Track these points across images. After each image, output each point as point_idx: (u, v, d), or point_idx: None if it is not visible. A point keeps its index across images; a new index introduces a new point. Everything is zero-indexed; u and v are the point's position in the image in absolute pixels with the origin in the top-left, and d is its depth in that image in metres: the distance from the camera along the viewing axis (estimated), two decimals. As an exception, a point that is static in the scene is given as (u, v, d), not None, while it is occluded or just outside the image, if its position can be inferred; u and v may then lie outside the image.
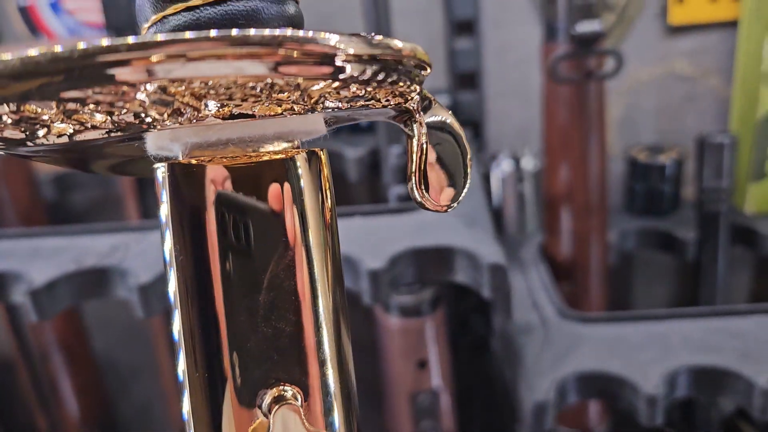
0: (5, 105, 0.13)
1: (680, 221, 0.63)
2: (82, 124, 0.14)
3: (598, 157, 0.53)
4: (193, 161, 0.16)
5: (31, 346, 0.62)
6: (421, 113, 0.19)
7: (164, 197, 0.16)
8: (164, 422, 0.72)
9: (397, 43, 0.16)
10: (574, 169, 0.53)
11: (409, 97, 0.18)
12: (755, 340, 0.45)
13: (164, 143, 0.17)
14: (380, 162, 0.57)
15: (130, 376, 0.79)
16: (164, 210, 0.16)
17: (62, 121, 0.14)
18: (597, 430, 0.59)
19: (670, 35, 0.64)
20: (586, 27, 0.49)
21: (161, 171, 0.16)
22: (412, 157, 0.19)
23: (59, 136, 0.15)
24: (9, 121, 0.14)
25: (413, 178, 0.19)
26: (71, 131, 0.14)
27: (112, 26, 0.54)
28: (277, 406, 0.17)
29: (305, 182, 0.17)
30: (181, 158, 0.16)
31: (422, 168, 0.19)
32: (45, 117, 0.14)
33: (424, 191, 0.19)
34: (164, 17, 0.16)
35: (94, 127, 0.14)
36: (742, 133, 0.62)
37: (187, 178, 0.16)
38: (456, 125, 0.20)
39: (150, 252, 0.45)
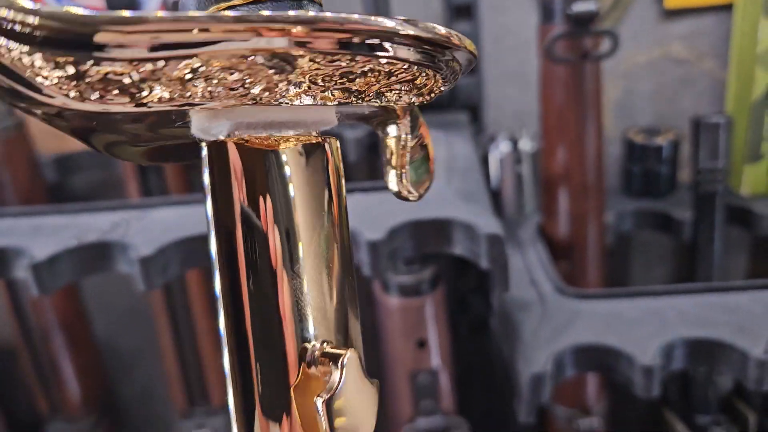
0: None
1: (677, 202, 0.64)
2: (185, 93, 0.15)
3: (595, 138, 0.53)
4: (234, 141, 0.17)
5: (33, 326, 0.62)
6: (407, 114, 0.21)
7: (206, 172, 0.18)
8: (165, 404, 0.72)
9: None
10: (570, 149, 0.53)
11: (432, 91, 0.19)
12: (750, 314, 0.46)
13: (207, 124, 0.18)
14: (378, 143, 0.58)
15: (131, 358, 0.80)
16: (207, 182, 0.18)
17: (168, 87, 0.15)
18: (595, 408, 0.59)
19: (666, 18, 0.65)
20: (581, 6, 0.49)
21: (207, 148, 0.18)
22: (392, 153, 0.21)
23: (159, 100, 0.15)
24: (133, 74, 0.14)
25: (394, 171, 0.21)
26: (173, 96, 0.15)
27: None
28: (341, 354, 0.18)
29: (331, 165, 0.19)
30: (222, 138, 0.18)
31: (405, 164, 0.21)
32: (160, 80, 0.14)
33: (407, 183, 0.21)
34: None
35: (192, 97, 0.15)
36: (737, 115, 0.63)
37: (227, 155, 0.17)
38: (424, 125, 0.23)
39: (151, 228, 0.45)
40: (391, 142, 0.22)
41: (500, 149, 0.63)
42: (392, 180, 0.22)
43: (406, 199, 0.22)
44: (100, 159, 0.65)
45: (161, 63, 0.14)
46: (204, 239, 0.43)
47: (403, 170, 0.22)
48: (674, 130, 0.65)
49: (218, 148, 0.17)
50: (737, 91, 0.63)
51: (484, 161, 0.64)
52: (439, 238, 0.41)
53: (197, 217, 0.46)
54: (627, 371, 0.43)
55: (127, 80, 0.14)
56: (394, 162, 0.22)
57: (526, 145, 0.63)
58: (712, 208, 0.59)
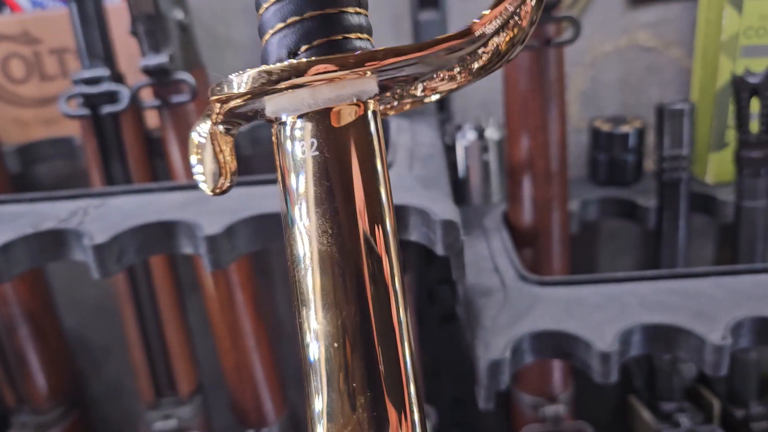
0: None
1: (642, 190, 0.64)
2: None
3: (559, 125, 0.53)
4: (300, 120, 0.20)
5: (-4, 317, 0.61)
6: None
7: (280, 144, 0.21)
8: (135, 396, 0.72)
9: None
10: (534, 136, 0.53)
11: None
12: (710, 299, 0.46)
13: (279, 107, 0.20)
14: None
15: (102, 351, 0.79)
16: (278, 154, 0.21)
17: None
18: (560, 396, 0.60)
19: (632, 7, 0.65)
20: (544, -7, 0.49)
21: (279, 126, 0.20)
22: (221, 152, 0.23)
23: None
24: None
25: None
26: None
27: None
28: None
29: (375, 122, 0.21)
30: (291, 118, 0.20)
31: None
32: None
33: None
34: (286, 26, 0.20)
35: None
36: (702, 103, 0.63)
37: (299, 132, 0.20)
38: None
39: (109, 215, 0.45)
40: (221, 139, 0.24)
41: (467, 137, 0.63)
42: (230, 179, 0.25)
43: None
44: (63, 148, 0.64)
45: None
46: (162, 226, 0.43)
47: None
48: (640, 118, 0.65)
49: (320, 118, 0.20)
50: (702, 79, 0.63)
51: (452, 150, 0.64)
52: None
53: (157, 204, 0.46)
54: (585, 357, 0.43)
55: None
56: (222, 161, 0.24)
57: (492, 133, 0.63)
58: (676, 196, 0.59)
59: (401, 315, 0.21)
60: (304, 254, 0.20)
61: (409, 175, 0.47)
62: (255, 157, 0.65)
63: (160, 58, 0.52)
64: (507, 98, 0.54)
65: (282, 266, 0.74)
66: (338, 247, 0.20)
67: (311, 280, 0.20)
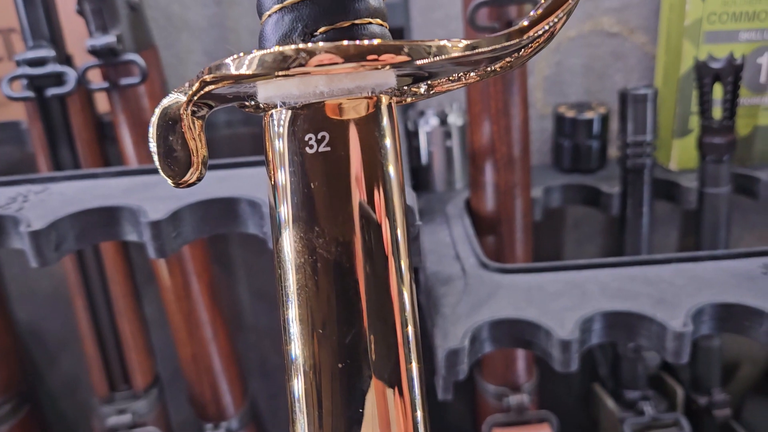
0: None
1: (606, 177, 0.63)
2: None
3: (521, 109, 0.52)
4: (307, 110, 0.18)
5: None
6: None
7: (278, 136, 0.19)
8: (91, 393, 0.70)
9: None
10: (496, 121, 0.52)
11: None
12: (671, 286, 0.45)
13: (281, 93, 0.18)
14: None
15: (56, 344, 0.77)
16: (274, 147, 0.19)
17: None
18: (524, 385, 0.59)
19: (597, -9, 0.64)
20: (506, -27, 0.48)
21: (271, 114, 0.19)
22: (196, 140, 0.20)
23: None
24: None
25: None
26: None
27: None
28: None
29: (390, 119, 0.19)
30: (292, 107, 0.18)
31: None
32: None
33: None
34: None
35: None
36: (666, 89, 0.63)
37: (305, 124, 0.18)
38: None
39: (50, 202, 0.43)
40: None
41: (429, 123, 0.61)
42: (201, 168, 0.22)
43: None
44: (10, 133, 0.62)
45: None
46: (104, 212, 0.41)
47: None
48: (605, 104, 0.64)
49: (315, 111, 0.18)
50: (666, 65, 0.63)
51: (414, 136, 0.62)
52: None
53: (102, 190, 0.44)
54: (545, 345, 0.42)
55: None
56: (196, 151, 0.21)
57: (455, 119, 0.61)
58: (640, 182, 0.58)
59: (409, 332, 0.19)
60: (303, 262, 0.18)
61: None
62: (212, 141, 0.63)
63: (108, 38, 0.50)
64: (468, 82, 0.53)
65: (241, 256, 0.73)
66: (347, 256, 0.18)
67: (310, 294, 0.18)
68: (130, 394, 0.62)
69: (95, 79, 0.53)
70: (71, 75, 0.51)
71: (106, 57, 0.51)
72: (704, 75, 0.55)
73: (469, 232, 0.54)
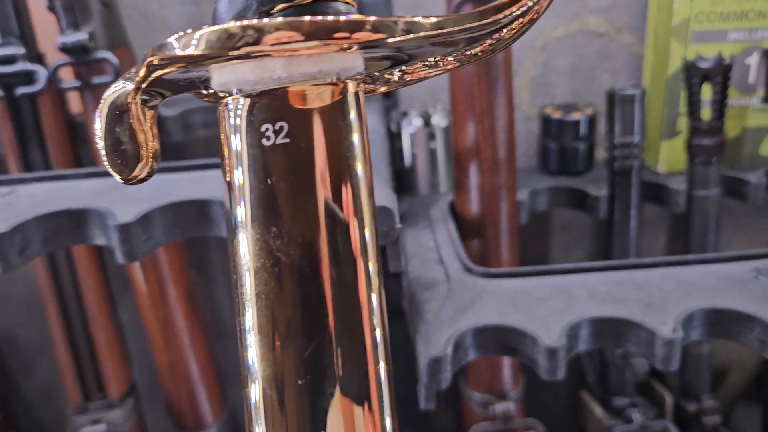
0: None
1: (594, 179, 0.62)
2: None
3: (506, 109, 0.51)
4: (264, 97, 0.16)
5: None
6: None
7: (232, 127, 0.17)
8: (67, 402, 0.68)
9: None
10: (480, 121, 0.51)
11: None
12: (660, 290, 0.44)
13: (235, 78, 0.17)
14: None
15: (32, 353, 0.75)
16: (229, 139, 0.17)
17: None
18: (511, 393, 0.57)
19: (583, -10, 0.63)
20: (490, -30, 0.47)
21: (231, 102, 0.17)
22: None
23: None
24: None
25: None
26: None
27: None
28: None
29: (357, 108, 0.18)
30: (248, 94, 0.17)
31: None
32: None
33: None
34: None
35: None
36: (654, 90, 0.62)
37: (262, 113, 0.17)
38: None
39: (16, 204, 0.41)
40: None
41: (413, 124, 0.60)
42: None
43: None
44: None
45: None
46: (71, 214, 0.39)
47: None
48: (592, 105, 0.63)
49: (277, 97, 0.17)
50: (654, 65, 0.62)
51: (397, 137, 0.61)
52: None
53: (71, 192, 0.42)
54: (531, 353, 0.41)
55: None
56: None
57: (439, 120, 0.60)
58: (627, 185, 0.57)
59: (378, 342, 0.18)
60: (259, 267, 0.16)
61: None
62: (188, 142, 0.61)
63: (79, 36, 0.48)
64: (452, 81, 0.52)
65: (220, 260, 0.71)
66: (306, 260, 0.16)
67: (265, 299, 0.17)
68: (105, 404, 0.61)
69: (67, 77, 0.52)
70: (42, 73, 0.50)
71: (78, 55, 0.49)
72: (693, 75, 0.54)
73: (453, 236, 0.52)
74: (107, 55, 0.49)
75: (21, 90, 0.50)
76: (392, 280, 0.66)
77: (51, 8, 0.50)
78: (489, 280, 0.47)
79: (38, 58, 0.53)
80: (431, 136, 0.60)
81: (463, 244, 0.51)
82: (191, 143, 0.61)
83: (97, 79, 0.50)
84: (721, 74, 0.53)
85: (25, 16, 0.52)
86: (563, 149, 0.62)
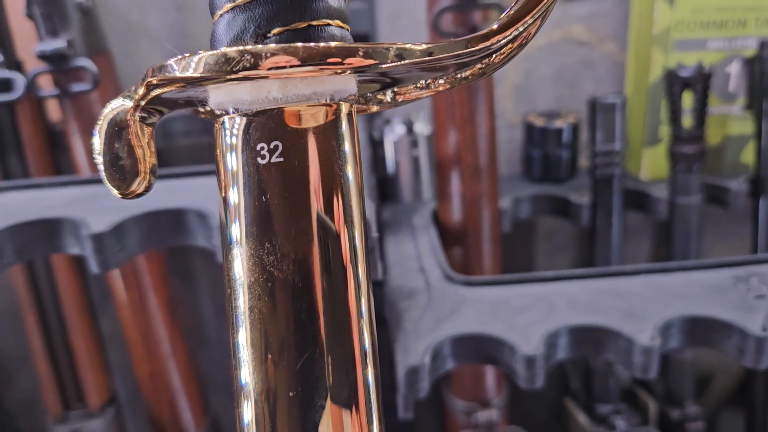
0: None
1: (576, 187, 0.62)
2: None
3: (487, 117, 0.51)
4: (260, 117, 0.17)
5: None
6: None
7: (228, 145, 0.17)
8: (47, 411, 0.67)
9: None
10: (461, 129, 0.51)
11: None
12: (640, 298, 0.44)
13: (232, 98, 0.17)
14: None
15: (13, 364, 0.74)
16: (225, 157, 0.17)
17: None
18: (494, 401, 0.57)
19: (565, 0, 0.63)
20: (469, -22, 0.47)
21: (228, 120, 0.17)
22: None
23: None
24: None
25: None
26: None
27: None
28: None
29: (350, 129, 0.18)
30: (245, 114, 0.17)
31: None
32: None
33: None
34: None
35: None
36: (636, 98, 0.62)
37: (257, 132, 0.17)
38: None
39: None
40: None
41: (395, 132, 0.60)
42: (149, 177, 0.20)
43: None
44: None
45: None
46: (45, 224, 0.39)
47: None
48: (575, 113, 0.63)
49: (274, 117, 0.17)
50: (635, 73, 0.62)
51: (380, 145, 0.61)
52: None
53: (46, 201, 0.42)
54: (510, 361, 0.41)
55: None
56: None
57: (422, 128, 0.60)
58: (609, 192, 0.57)
59: (366, 347, 0.18)
60: (253, 282, 0.17)
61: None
62: (169, 149, 0.61)
63: (58, 43, 0.48)
64: (433, 89, 0.52)
65: (204, 268, 0.70)
66: (299, 276, 0.17)
67: (258, 313, 0.17)
68: (85, 413, 0.60)
69: (46, 85, 0.51)
70: (20, 81, 0.49)
71: (57, 62, 0.49)
72: (673, 83, 0.55)
73: (434, 244, 0.52)
74: (86, 62, 0.49)
75: (-1, 98, 0.50)
76: (376, 288, 0.66)
77: (30, 15, 0.49)
78: (469, 289, 0.46)
79: (17, 65, 0.53)
80: (414, 144, 0.60)
81: (444, 253, 0.51)
82: (172, 150, 0.61)
83: (75, 87, 0.50)
84: (701, 82, 0.53)
85: (4, 23, 0.52)
86: (546, 157, 0.62)
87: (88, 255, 0.36)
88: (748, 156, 0.61)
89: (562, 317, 0.42)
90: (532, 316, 0.43)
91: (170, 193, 0.40)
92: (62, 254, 0.53)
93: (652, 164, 0.62)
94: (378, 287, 0.65)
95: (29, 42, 0.55)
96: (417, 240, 0.54)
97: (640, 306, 0.43)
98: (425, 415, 0.67)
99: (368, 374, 0.18)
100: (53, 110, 0.56)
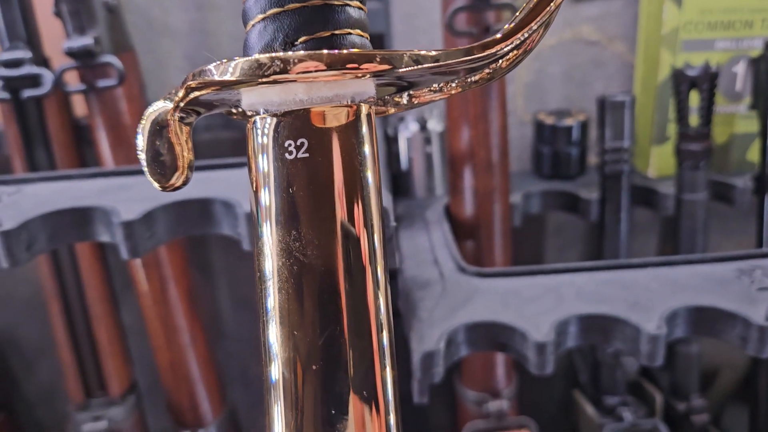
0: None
1: (585, 183, 0.64)
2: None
3: (499, 114, 0.52)
4: (288, 117, 0.18)
5: None
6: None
7: (259, 142, 0.19)
8: (68, 402, 0.69)
9: None
10: (474, 125, 0.52)
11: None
12: (646, 290, 0.46)
13: (263, 100, 0.19)
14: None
15: (33, 352, 0.76)
16: (256, 153, 0.19)
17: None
18: (504, 391, 0.59)
19: (576, 1, 0.65)
20: (483, -21, 0.48)
21: (259, 120, 0.19)
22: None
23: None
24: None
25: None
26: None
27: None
28: None
29: (369, 128, 0.20)
30: (275, 114, 0.19)
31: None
32: None
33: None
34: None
35: None
36: (644, 97, 0.63)
37: (286, 130, 0.19)
38: None
39: (22, 202, 0.42)
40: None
41: (409, 129, 0.61)
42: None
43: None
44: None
45: None
46: (76, 212, 0.41)
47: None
48: (584, 112, 0.65)
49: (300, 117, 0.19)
50: (644, 73, 0.63)
51: (394, 141, 0.62)
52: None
53: (76, 191, 0.44)
54: (521, 348, 0.42)
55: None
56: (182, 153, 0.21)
57: (435, 125, 0.62)
58: (618, 188, 0.59)
59: (383, 335, 0.20)
60: (281, 267, 0.19)
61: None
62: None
63: (85, 40, 0.50)
64: (447, 87, 0.53)
65: (222, 261, 0.72)
66: (322, 261, 0.19)
67: (285, 294, 0.19)
68: (106, 401, 0.62)
69: (72, 81, 0.53)
70: (48, 77, 0.51)
71: (83, 59, 0.50)
72: (681, 83, 0.56)
73: (447, 237, 0.54)
74: (112, 59, 0.50)
75: (27, 93, 0.51)
76: (390, 281, 0.67)
77: (57, 13, 0.51)
78: (482, 280, 0.48)
79: (44, 61, 0.55)
80: (427, 141, 0.62)
81: (457, 245, 0.53)
82: (195, 145, 0.63)
83: (101, 83, 0.52)
84: (708, 82, 0.55)
85: (32, 20, 0.53)
86: (556, 154, 0.64)
87: (119, 242, 0.38)
88: (754, 154, 0.63)
89: (571, 307, 0.44)
90: (542, 305, 0.44)
91: (197, 184, 0.42)
92: (92, 241, 0.55)
93: (659, 161, 0.63)
94: (392, 279, 0.66)
95: (55, 39, 0.57)
96: (430, 233, 0.56)
97: (645, 297, 0.45)
98: (437, 405, 0.69)
99: (385, 356, 0.20)
100: (78, 105, 0.58)
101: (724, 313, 0.42)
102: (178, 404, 0.62)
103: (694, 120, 0.57)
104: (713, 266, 0.48)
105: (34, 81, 0.51)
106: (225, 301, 0.75)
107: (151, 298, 0.57)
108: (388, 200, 0.39)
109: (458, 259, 0.50)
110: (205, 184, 0.42)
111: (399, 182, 0.63)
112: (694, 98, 0.56)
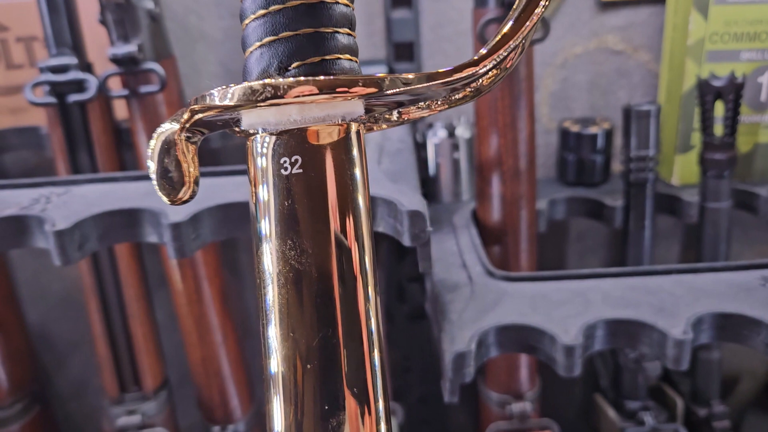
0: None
1: (610, 191, 0.65)
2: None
3: (527, 123, 0.54)
4: (283, 135, 0.20)
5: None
6: None
7: (258, 159, 0.20)
8: (100, 396, 0.71)
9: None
10: (503, 134, 0.54)
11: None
12: (671, 296, 0.47)
13: (260, 120, 0.20)
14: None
15: (66, 346, 0.78)
16: (255, 169, 0.21)
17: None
18: (527, 393, 0.60)
19: (601, 10, 0.66)
20: (515, -9, 0.50)
21: (257, 139, 0.20)
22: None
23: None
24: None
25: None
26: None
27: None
28: None
29: (359, 144, 0.21)
30: (271, 133, 0.20)
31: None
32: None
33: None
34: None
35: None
36: (669, 106, 0.64)
37: (281, 148, 0.20)
38: None
39: (72, 203, 0.44)
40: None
41: (438, 135, 0.63)
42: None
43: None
44: (29, 138, 0.63)
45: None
46: (126, 213, 0.43)
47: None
48: (609, 120, 0.66)
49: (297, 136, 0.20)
50: (669, 82, 0.64)
51: (423, 147, 0.64)
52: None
53: (122, 193, 0.46)
54: (550, 351, 0.44)
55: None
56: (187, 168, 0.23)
57: (463, 131, 0.63)
58: (642, 196, 0.60)
59: (373, 337, 0.21)
60: (278, 273, 0.20)
61: (378, 169, 0.47)
62: (224, 149, 0.65)
63: (129, 47, 0.52)
64: (477, 95, 0.55)
65: (250, 261, 0.74)
66: (315, 268, 0.20)
67: (282, 298, 0.20)
68: (140, 396, 0.64)
69: (115, 86, 0.55)
70: (92, 82, 0.53)
71: (127, 65, 0.52)
72: (706, 93, 0.57)
73: (475, 242, 0.55)
74: (154, 66, 0.52)
75: (73, 97, 0.53)
76: (415, 284, 0.69)
77: (102, 21, 0.53)
78: (510, 284, 0.49)
79: (87, 67, 0.57)
80: (455, 147, 0.63)
81: (484, 250, 0.54)
82: (227, 150, 0.65)
83: (144, 89, 0.53)
84: (734, 92, 0.56)
85: (77, 28, 0.55)
86: (581, 161, 0.65)
87: (167, 242, 0.40)
88: (778, 164, 0.64)
89: (598, 311, 0.45)
90: (569, 309, 0.46)
91: (236, 188, 0.44)
92: (132, 243, 0.57)
93: (683, 170, 0.64)
94: (419, 282, 0.68)
95: (98, 46, 0.59)
96: (458, 238, 0.57)
97: (671, 302, 0.46)
98: (460, 406, 0.70)
99: (374, 347, 0.22)
100: (119, 109, 0.60)
101: (749, 319, 0.43)
102: (208, 400, 0.64)
103: (718, 129, 0.58)
104: (737, 274, 0.49)
105: (79, 86, 0.53)
106: (252, 301, 0.76)
107: (185, 297, 0.59)
108: (423, 205, 0.40)
109: (486, 263, 0.51)
110: (243, 189, 0.43)
111: (426, 187, 0.65)
112: (719, 108, 0.57)
